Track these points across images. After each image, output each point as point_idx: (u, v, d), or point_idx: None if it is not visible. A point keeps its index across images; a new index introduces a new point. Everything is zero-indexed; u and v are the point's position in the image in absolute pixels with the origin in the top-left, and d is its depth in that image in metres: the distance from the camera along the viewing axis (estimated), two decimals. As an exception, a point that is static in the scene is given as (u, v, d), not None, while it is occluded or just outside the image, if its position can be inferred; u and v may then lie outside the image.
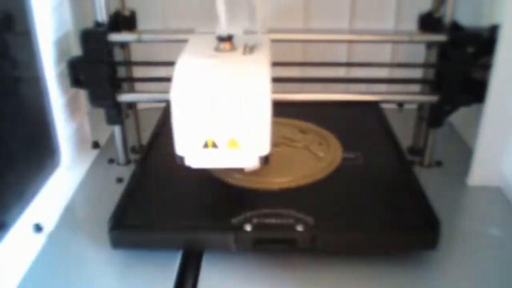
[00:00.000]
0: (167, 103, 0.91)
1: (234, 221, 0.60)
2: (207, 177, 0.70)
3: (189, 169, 0.68)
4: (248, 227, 0.59)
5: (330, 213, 0.63)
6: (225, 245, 0.60)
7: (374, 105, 0.89)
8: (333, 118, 0.84)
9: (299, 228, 0.59)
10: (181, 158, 0.59)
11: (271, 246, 0.60)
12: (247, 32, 0.64)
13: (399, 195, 0.67)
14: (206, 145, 0.57)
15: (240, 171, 0.69)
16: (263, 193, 0.66)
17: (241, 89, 0.55)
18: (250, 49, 0.60)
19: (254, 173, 0.68)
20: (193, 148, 0.58)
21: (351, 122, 0.87)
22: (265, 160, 0.59)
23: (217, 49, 0.61)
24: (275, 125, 0.76)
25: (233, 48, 0.61)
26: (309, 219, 0.60)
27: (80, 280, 0.59)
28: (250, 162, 0.59)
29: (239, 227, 0.60)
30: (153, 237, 0.62)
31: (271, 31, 0.70)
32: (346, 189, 0.68)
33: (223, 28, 0.60)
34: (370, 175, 0.71)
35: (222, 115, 0.55)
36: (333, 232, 0.61)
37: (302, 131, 0.81)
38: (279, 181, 0.68)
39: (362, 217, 0.63)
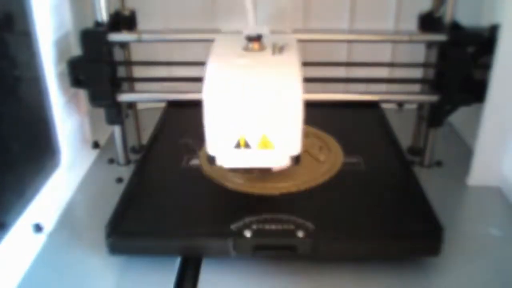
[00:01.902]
0: (167, 103, 0.91)
1: (233, 227, 0.60)
2: (206, 182, 0.69)
3: (187, 174, 0.68)
4: (247, 233, 0.58)
5: (331, 219, 0.62)
6: (224, 252, 0.59)
7: (374, 106, 0.89)
8: (333, 121, 0.84)
9: (300, 234, 0.58)
10: (212, 158, 0.59)
11: (271, 252, 0.59)
12: (273, 32, 0.63)
13: (402, 201, 0.67)
14: (238, 145, 0.57)
15: (240, 175, 0.69)
16: (263, 198, 0.65)
17: (274, 89, 0.55)
18: (279, 49, 0.60)
19: (254, 178, 0.68)
20: (225, 148, 0.58)
21: (352, 124, 0.86)
22: (297, 159, 0.59)
23: (246, 49, 0.61)
24: None
25: (261, 48, 0.61)
26: (310, 225, 0.60)
27: (79, 280, 0.59)
28: (282, 161, 0.59)
29: (239, 233, 0.59)
30: (151, 243, 0.61)
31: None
32: (347, 194, 0.68)
33: (252, 28, 0.60)
34: (371, 180, 0.70)
35: (255, 114, 0.56)
36: (334, 238, 0.60)
37: (304, 135, 0.80)
38: (279, 186, 0.67)
39: (364, 224, 0.62)
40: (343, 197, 0.67)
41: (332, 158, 0.74)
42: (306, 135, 0.79)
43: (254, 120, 0.56)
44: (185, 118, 0.83)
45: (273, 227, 0.60)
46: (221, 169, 0.68)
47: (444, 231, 0.60)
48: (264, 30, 0.61)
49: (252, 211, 0.62)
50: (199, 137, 0.76)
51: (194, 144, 0.76)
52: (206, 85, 0.55)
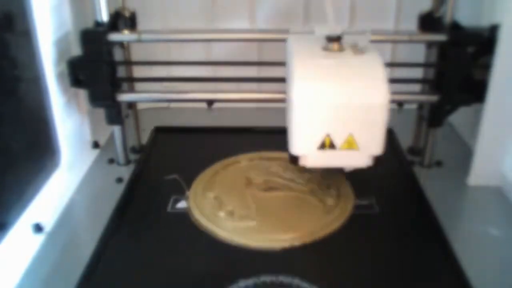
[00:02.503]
0: (154, 129, 0.87)
1: None
2: (194, 230, 0.64)
3: (173, 220, 0.65)
4: None
5: (340, 282, 0.55)
6: None
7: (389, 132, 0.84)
8: None
9: None
10: (295, 158, 0.59)
11: None
12: (347, 33, 0.62)
13: (427, 258, 0.59)
14: (323, 145, 0.57)
15: (236, 221, 0.64)
16: (263, 254, 0.59)
17: (361, 89, 0.55)
18: (360, 49, 0.60)
19: (252, 226, 0.63)
20: (310, 148, 0.58)
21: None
22: (378, 160, 0.58)
23: (325, 49, 0.60)
24: (274, 163, 0.73)
25: (341, 48, 0.60)
26: None
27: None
28: (364, 162, 0.58)
29: None
30: None
31: (270, 31, 0.69)
32: (360, 248, 0.60)
33: (328, 28, 0.60)
34: (388, 228, 0.63)
35: (342, 115, 0.56)
36: None
37: (307, 170, 0.70)
38: (281, 238, 0.61)
39: None
40: (355, 253, 0.59)
41: (342, 201, 0.68)
42: (310, 170, 0.71)
43: (341, 121, 0.56)
44: (173, 145, 0.83)
45: None
46: (211, 212, 0.66)
47: None
48: (337, 30, 0.60)
49: (248, 272, 0.55)
50: (189, 170, 0.74)
51: (182, 181, 0.73)
52: (296, 86, 0.55)
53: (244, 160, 0.79)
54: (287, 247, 0.60)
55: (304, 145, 0.57)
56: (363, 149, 0.57)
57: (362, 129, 0.56)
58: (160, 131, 0.89)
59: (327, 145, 0.57)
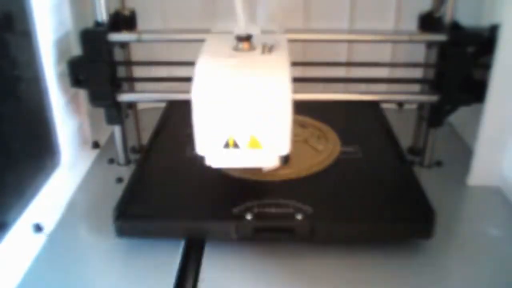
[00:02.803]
0: (168, 103, 0.91)
1: (235, 210, 0.62)
2: (209, 169, 0.68)
3: (191, 162, 0.67)
4: (248, 216, 0.61)
5: (328, 203, 0.65)
6: (226, 234, 0.61)
7: (372, 103, 0.91)
8: (332, 113, 0.86)
9: (298, 217, 0.61)
10: (201, 158, 0.60)
11: (271, 235, 0.62)
12: (264, 32, 0.64)
13: (396, 187, 0.69)
14: (227, 145, 0.57)
15: None
16: (264, 184, 0.67)
17: (262, 89, 0.55)
18: (269, 48, 0.60)
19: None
20: (214, 148, 0.58)
21: (349, 117, 0.88)
22: (285, 159, 0.60)
23: (235, 49, 0.61)
24: None
25: (251, 48, 0.61)
26: (308, 208, 0.62)
27: (79, 280, 0.59)
28: (271, 161, 0.59)
29: (240, 216, 0.61)
30: (157, 226, 0.64)
31: (271, 31, 0.69)
32: (344, 181, 0.70)
33: (242, 28, 0.60)
34: (367, 168, 0.73)
35: (243, 114, 0.56)
36: (331, 221, 0.62)
37: (302, 125, 0.82)
38: (279, 173, 0.69)
39: (360, 208, 0.64)
40: (340, 184, 0.69)
41: (329, 148, 0.76)
42: (304, 126, 0.81)
43: (243, 120, 0.56)
44: (188, 112, 0.84)
45: (273, 210, 0.62)
46: None
47: (436, 215, 0.62)
48: (254, 30, 0.61)
49: (253, 197, 0.64)
50: None
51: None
52: (195, 85, 0.56)
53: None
54: (285, 179, 0.68)
55: (208, 145, 0.58)
56: (269, 148, 0.58)
57: (265, 129, 0.57)
58: (175, 103, 0.91)
59: (231, 144, 0.57)
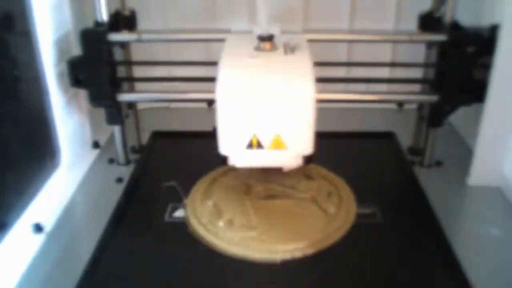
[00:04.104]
0: (152, 133, 0.86)
1: None
2: (192, 241, 0.62)
3: (170, 230, 0.64)
4: None
5: None
6: None
7: (388, 136, 0.85)
8: (342, 155, 0.78)
9: None
10: (224, 158, 0.59)
11: None
12: (284, 32, 0.63)
13: (431, 268, 0.58)
14: (250, 145, 0.57)
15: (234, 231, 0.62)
16: (262, 266, 0.58)
17: (287, 89, 0.55)
18: (291, 49, 0.60)
19: (252, 237, 0.62)
20: (238, 148, 0.58)
21: (364, 159, 0.79)
22: (308, 159, 0.59)
23: (257, 49, 0.61)
24: (273, 169, 0.69)
25: (273, 48, 0.61)
26: None
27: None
28: (294, 161, 0.58)
29: None
30: None
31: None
32: (362, 260, 0.58)
33: (264, 28, 0.60)
34: (391, 238, 0.62)
35: (267, 114, 0.56)
36: None
37: (307, 176, 0.73)
38: (282, 249, 0.59)
39: None
40: (358, 265, 0.58)
41: (343, 209, 0.66)
42: (311, 177, 0.72)
43: (267, 120, 0.56)
44: (172, 150, 0.81)
45: None
46: (210, 221, 0.64)
47: None
48: (275, 30, 0.60)
49: (247, 285, 0.56)
50: (187, 176, 0.72)
51: (180, 188, 0.71)
52: (219, 85, 0.55)
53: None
54: (288, 259, 0.58)
55: (232, 145, 0.57)
56: (292, 149, 0.57)
57: (289, 128, 0.56)
58: (159, 136, 0.88)
59: (255, 144, 0.57)
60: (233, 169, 0.75)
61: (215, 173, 0.75)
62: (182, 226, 0.65)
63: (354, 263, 0.58)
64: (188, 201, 0.69)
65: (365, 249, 0.60)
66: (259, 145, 0.57)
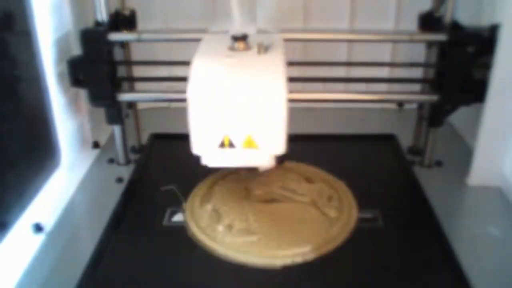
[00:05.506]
0: (152, 135, 0.86)
1: None
2: (191, 246, 0.61)
3: (169, 234, 0.63)
4: None
5: None
6: None
7: (389, 138, 0.84)
8: (343, 158, 0.77)
9: None
10: (197, 157, 0.59)
11: None
12: (260, 32, 0.63)
13: (431, 268, 0.58)
14: (222, 144, 0.57)
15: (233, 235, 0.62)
16: (262, 272, 0.57)
17: (257, 88, 0.55)
18: (264, 48, 0.60)
19: (252, 241, 0.61)
20: (210, 147, 0.57)
21: (365, 163, 0.78)
22: (281, 159, 0.58)
23: (231, 49, 0.61)
24: (275, 172, 0.70)
25: (247, 48, 0.60)
26: None
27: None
28: (266, 161, 0.58)
29: None
30: None
31: (267, 31, 0.69)
32: (363, 265, 0.58)
33: (238, 28, 0.60)
34: (393, 242, 0.62)
35: (239, 114, 0.55)
36: None
37: (308, 179, 0.72)
38: (282, 254, 0.59)
39: None
40: (360, 270, 0.57)
41: (344, 213, 0.65)
42: (311, 180, 0.72)
43: (238, 119, 0.55)
44: (171, 153, 0.80)
45: None
46: (209, 226, 0.63)
47: None
48: (250, 30, 0.61)
49: None
50: (187, 180, 0.71)
51: (179, 192, 0.71)
52: (191, 84, 0.55)
53: (243, 170, 0.76)
54: (288, 264, 0.58)
55: (204, 144, 0.57)
56: (264, 148, 0.57)
57: (260, 128, 0.56)
58: (157, 138, 0.88)
59: (227, 144, 0.57)
60: (233, 173, 0.75)
61: (214, 176, 0.75)
62: (181, 230, 0.64)
63: (355, 268, 0.58)
64: (187, 205, 0.69)
65: (366, 253, 0.60)
66: (231, 145, 0.57)
